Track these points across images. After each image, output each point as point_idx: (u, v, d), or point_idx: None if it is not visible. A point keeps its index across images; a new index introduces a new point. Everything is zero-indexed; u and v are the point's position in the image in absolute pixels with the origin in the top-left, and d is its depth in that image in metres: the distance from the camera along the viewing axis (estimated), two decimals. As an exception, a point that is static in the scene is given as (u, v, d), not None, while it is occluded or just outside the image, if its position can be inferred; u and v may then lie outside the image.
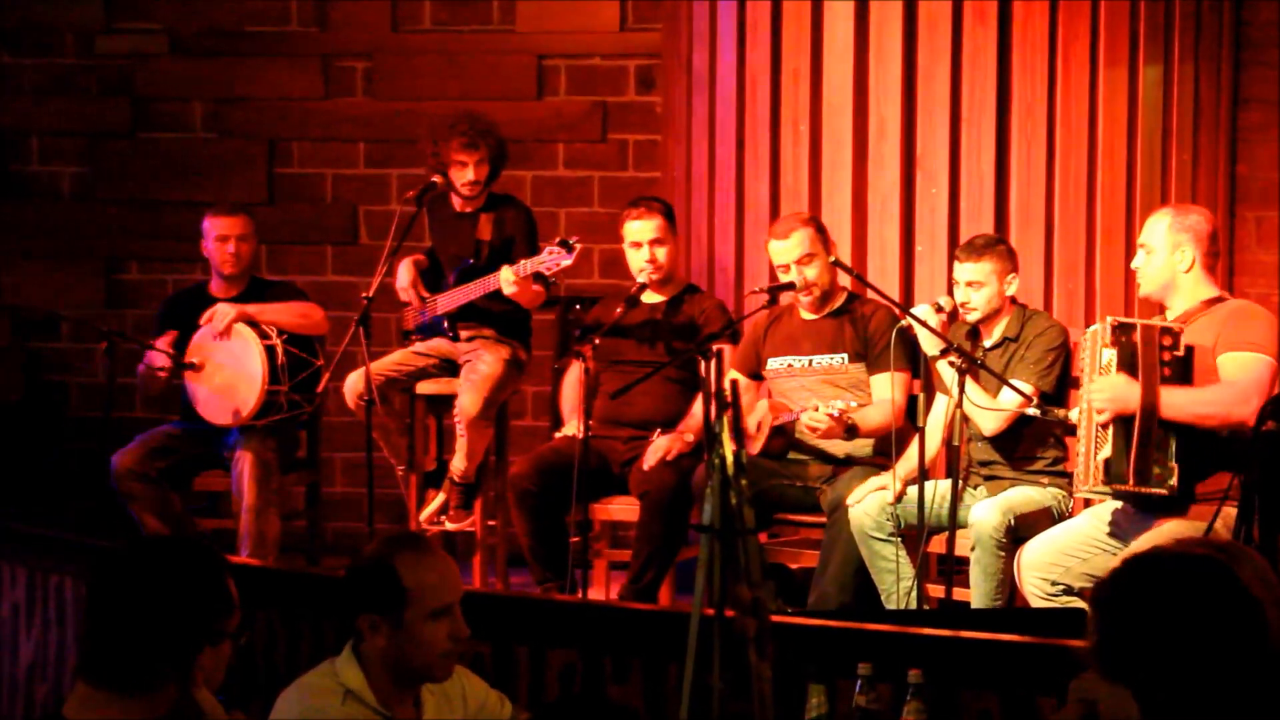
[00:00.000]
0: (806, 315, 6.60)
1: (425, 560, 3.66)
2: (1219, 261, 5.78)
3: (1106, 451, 5.39)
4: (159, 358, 7.08)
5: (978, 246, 6.16)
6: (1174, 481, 5.36)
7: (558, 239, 6.63)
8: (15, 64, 8.65)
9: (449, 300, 7.04)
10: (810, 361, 6.53)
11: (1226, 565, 2.29)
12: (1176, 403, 5.37)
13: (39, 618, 5.91)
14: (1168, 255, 5.63)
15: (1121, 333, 5.41)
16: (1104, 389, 5.40)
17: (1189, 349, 5.45)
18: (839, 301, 6.58)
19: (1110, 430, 5.39)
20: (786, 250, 6.46)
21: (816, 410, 6.17)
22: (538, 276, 6.70)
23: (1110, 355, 5.41)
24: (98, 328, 7.22)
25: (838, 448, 6.45)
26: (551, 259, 6.60)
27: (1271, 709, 2.24)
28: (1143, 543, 5.33)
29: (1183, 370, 5.42)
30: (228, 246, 7.22)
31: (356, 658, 3.68)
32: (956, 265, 6.17)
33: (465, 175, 7.02)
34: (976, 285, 6.12)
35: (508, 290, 6.72)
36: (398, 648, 3.63)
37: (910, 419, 6.34)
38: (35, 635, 5.92)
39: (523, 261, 6.70)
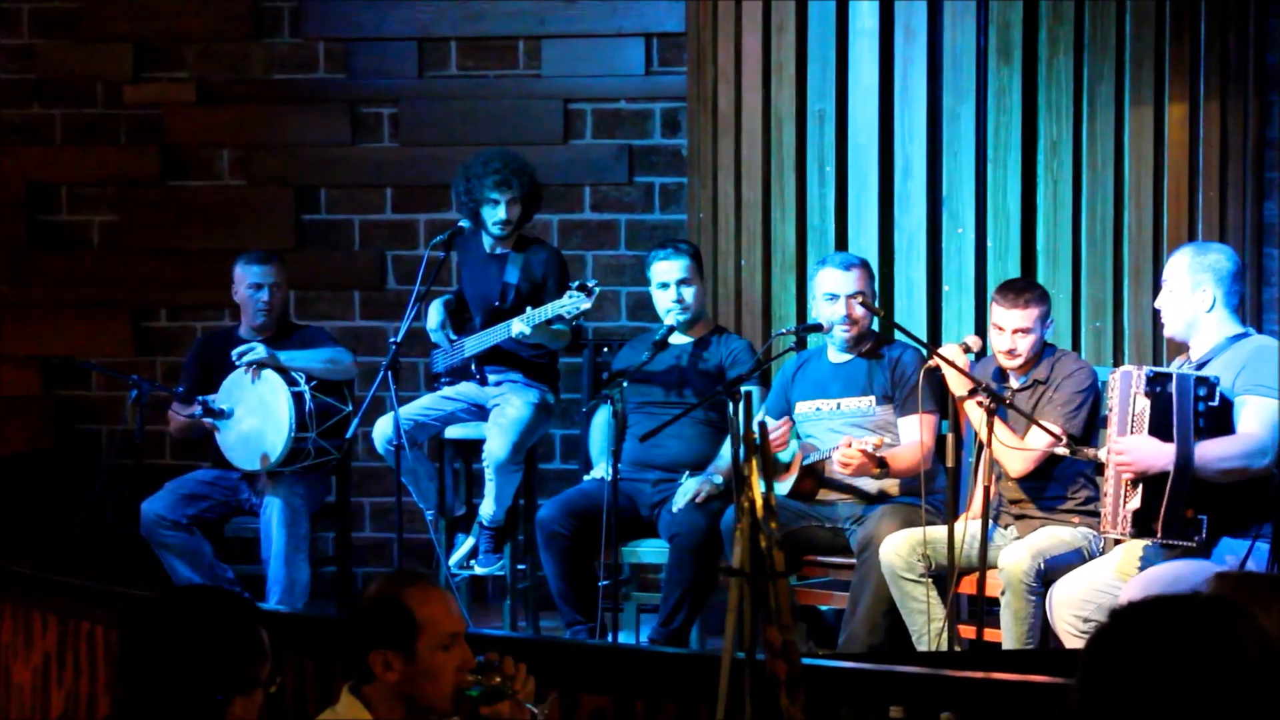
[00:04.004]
0: (834, 358, 6.60)
1: (431, 593, 3.69)
2: (1243, 299, 5.76)
3: (1135, 504, 5.36)
4: (187, 408, 7.11)
5: (1024, 293, 6.11)
6: (1202, 534, 5.34)
7: (576, 283, 6.64)
8: (44, 114, 8.70)
9: (476, 344, 7.05)
10: (839, 405, 6.53)
11: (1222, 612, 2.28)
12: (1202, 460, 5.34)
13: (70, 667, 5.92)
14: (1188, 294, 5.61)
15: (1157, 383, 5.35)
16: (1128, 451, 5.36)
17: (1225, 399, 5.41)
18: (867, 343, 6.58)
19: (1140, 485, 5.36)
20: (846, 281, 6.46)
21: (850, 446, 6.18)
22: (558, 318, 6.71)
23: (1144, 405, 5.35)
24: (124, 375, 7.25)
25: (870, 485, 6.45)
26: (571, 303, 6.60)
27: None
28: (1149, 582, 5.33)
29: (1218, 421, 5.38)
30: (260, 294, 7.25)
31: (361, 701, 3.67)
32: (1001, 311, 6.11)
33: (498, 213, 7.02)
34: (1024, 332, 6.09)
35: (519, 338, 6.74)
36: (410, 682, 3.64)
37: (939, 459, 6.33)
38: (66, 684, 5.93)
39: (544, 306, 6.70)
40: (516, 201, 7.05)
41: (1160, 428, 5.35)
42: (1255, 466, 5.38)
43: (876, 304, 6.61)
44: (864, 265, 6.56)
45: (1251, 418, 5.40)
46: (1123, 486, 5.41)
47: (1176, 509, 5.31)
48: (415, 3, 8.45)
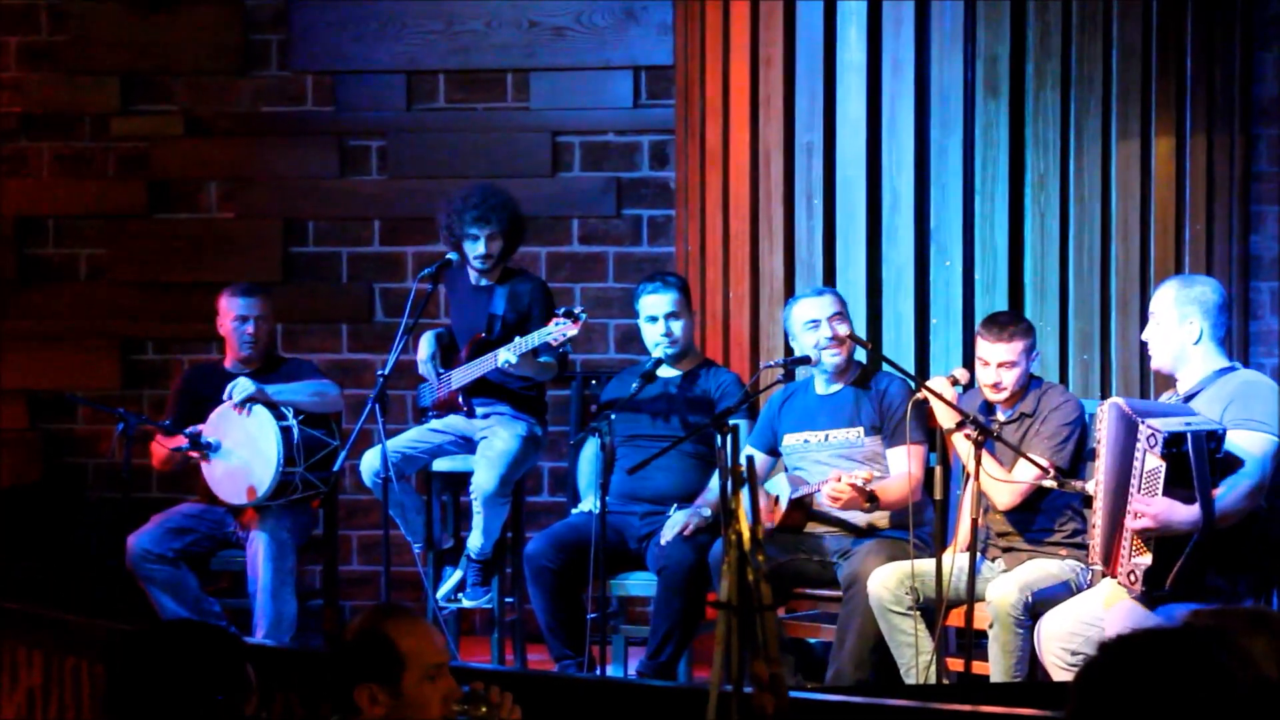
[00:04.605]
0: (821, 390, 6.59)
1: (414, 625, 3.69)
2: (1230, 332, 5.76)
3: (1147, 561, 5.30)
4: (174, 441, 7.10)
5: (1008, 327, 6.11)
6: (1204, 584, 5.33)
7: (563, 309, 6.64)
8: (32, 147, 8.70)
9: (462, 376, 7.04)
10: (826, 436, 6.53)
11: (1211, 644, 2.27)
12: (1224, 509, 5.33)
13: (55, 702, 5.89)
14: (1175, 327, 5.61)
15: (1173, 445, 5.27)
16: (1152, 516, 5.28)
17: (1227, 450, 5.39)
18: (854, 373, 6.58)
19: (1153, 542, 5.32)
20: (821, 305, 6.47)
21: (839, 481, 6.18)
22: (545, 348, 6.70)
23: (1157, 465, 5.28)
24: (111, 408, 7.24)
25: (859, 518, 6.44)
26: (558, 330, 6.59)
27: None
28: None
29: (1223, 468, 5.37)
30: (246, 327, 7.23)
31: None
32: (985, 345, 6.11)
33: (477, 249, 7.03)
34: (1009, 365, 6.09)
35: (506, 370, 6.73)
36: (397, 715, 3.63)
37: (927, 491, 6.33)
38: (51, 719, 5.90)
39: (530, 335, 6.69)
40: (496, 237, 7.05)
41: (1176, 487, 5.30)
42: (1254, 506, 5.39)
43: (857, 329, 6.62)
44: (834, 291, 6.60)
45: (1244, 455, 5.39)
46: (1131, 540, 5.36)
47: (1191, 567, 5.29)
48: (403, 35, 8.46)
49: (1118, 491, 5.44)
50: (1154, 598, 5.36)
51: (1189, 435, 5.27)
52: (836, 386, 6.57)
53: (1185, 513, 5.28)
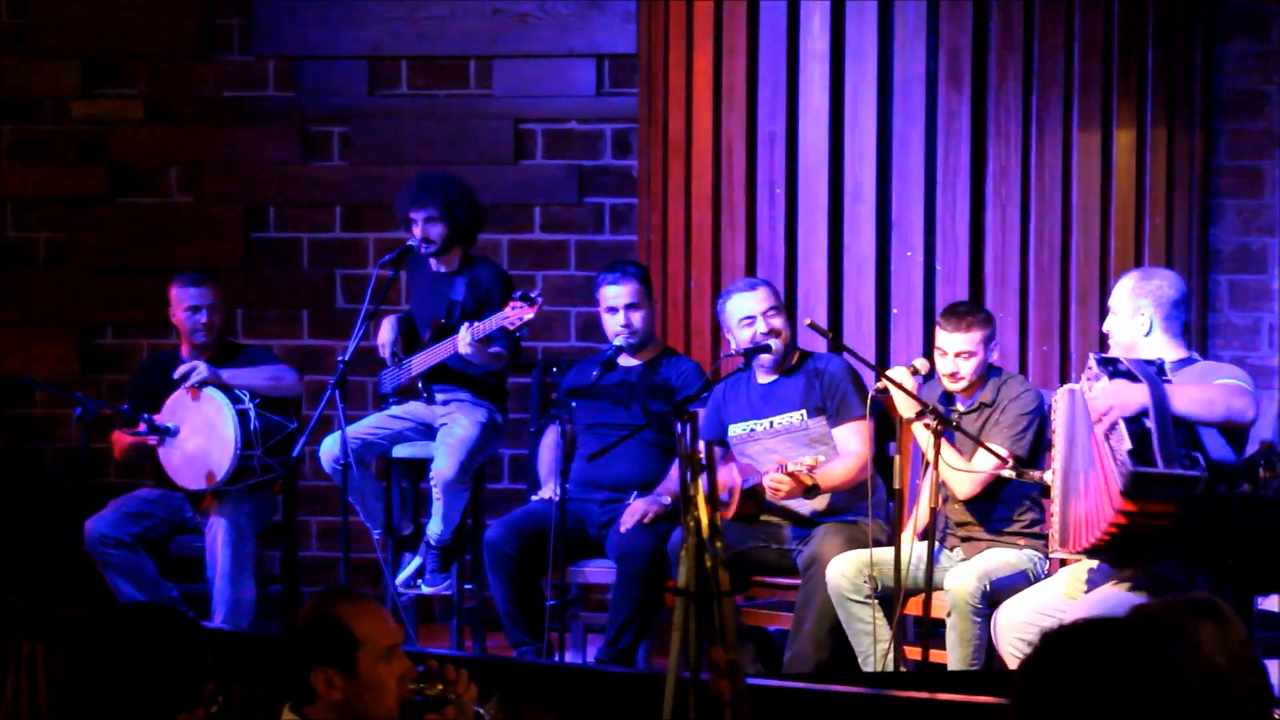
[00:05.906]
0: (762, 379, 6.59)
1: (365, 606, 3.70)
2: (1188, 325, 5.78)
3: (1127, 445, 5.28)
4: (133, 429, 7.07)
5: (966, 317, 6.14)
6: (1202, 464, 5.28)
7: (519, 293, 6.63)
8: (-9, 130, 8.66)
9: (421, 362, 7.04)
10: (771, 423, 6.53)
11: (1153, 633, 2.29)
12: (1181, 395, 5.34)
13: (10, 686, 5.87)
14: (1127, 319, 5.65)
15: (1110, 364, 5.36)
16: (1101, 392, 5.32)
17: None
18: (793, 360, 6.58)
19: (1122, 427, 5.31)
20: (755, 300, 6.47)
21: (781, 470, 6.18)
22: (503, 332, 6.70)
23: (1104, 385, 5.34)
24: (69, 393, 7.20)
25: (803, 507, 6.44)
26: (514, 314, 6.59)
27: None
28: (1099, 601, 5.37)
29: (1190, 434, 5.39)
30: (199, 316, 7.18)
31: None
32: (944, 335, 6.14)
33: (416, 233, 7.03)
34: (967, 355, 6.11)
35: (463, 350, 6.71)
36: (354, 697, 3.63)
37: (878, 471, 6.35)
38: (6, 703, 5.88)
39: (488, 319, 6.69)
40: (435, 220, 7.03)
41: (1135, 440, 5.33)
42: (1236, 405, 5.34)
43: (818, 319, 6.63)
44: (766, 282, 6.60)
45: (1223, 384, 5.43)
46: (1106, 441, 5.32)
47: (1167, 441, 5.26)
48: (366, 21, 8.44)
49: (1074, 474, 5.46)
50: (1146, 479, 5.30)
51: (1123, 358, 5.38)
52: (775, 375, 6.57)
53: (1134, 388, 5.28)
